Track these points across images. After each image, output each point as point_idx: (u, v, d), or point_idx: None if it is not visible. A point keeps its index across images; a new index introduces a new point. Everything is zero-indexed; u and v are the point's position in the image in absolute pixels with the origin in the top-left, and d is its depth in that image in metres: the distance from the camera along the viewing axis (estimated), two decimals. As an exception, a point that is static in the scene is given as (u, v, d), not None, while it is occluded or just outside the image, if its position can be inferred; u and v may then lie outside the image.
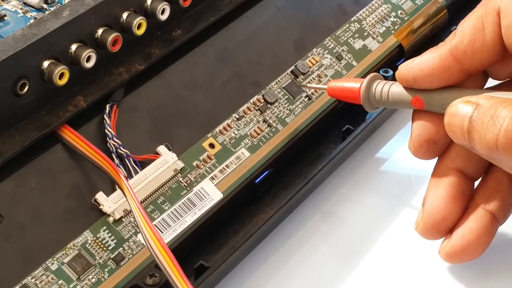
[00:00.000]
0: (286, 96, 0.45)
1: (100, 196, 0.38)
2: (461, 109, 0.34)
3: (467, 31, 0.36)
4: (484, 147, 0.33)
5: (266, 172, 0.42)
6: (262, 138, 0.43)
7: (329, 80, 0.46)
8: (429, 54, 0.37)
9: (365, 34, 0.49)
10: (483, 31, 0.36)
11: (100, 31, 0.39)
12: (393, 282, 0.40)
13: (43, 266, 0.36)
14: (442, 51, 0.36)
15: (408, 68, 0.37)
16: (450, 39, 0.36)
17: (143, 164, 0.39)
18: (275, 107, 0.44)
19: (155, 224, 0.38)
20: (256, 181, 0.42)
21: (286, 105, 0.44)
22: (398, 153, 0.47)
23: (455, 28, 0.37)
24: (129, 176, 0.39)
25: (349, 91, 0.40)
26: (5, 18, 0.42)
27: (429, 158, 0.39)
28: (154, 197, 0.39)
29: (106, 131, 0.39)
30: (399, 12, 0.50)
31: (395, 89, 0.38)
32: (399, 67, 0.38)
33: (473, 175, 0.38)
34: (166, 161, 0.40)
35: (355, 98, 0.39)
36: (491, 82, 0.39)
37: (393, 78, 0.46)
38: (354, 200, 0.44)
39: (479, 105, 0.34)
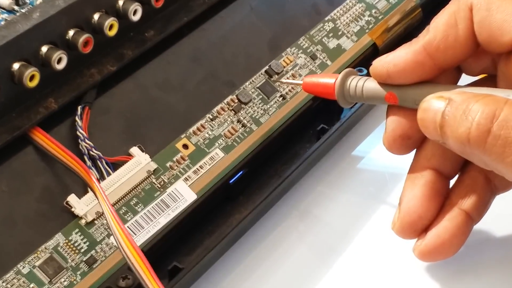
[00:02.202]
0: (260, 96, 0.44)
1: (72, 199, 0.37)
2: (434, 104, 0.34)
3: (440, 26, 0.36)
4: (457, 141, 0.33)
5: (241, 172, 0.42)
6: (236, 138, 0.43)
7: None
8: (403, 50, 0.37)
9: (340, 33, 0.49)
10: (456, 26, 0.36)
11: (71, 32, 0.39)
12: (369, 280, 0.40)
13: (14, 269, 0.35)
14: (415, 46, 0.37)
15: (382, 63, 0.37)
16: (423, 35, 0.37)
17: (116, 166, 0.39)
18: (249, 107, 0.44)
19: (128, 226, 0.38)
20: (231, 181, 0.42)
21: (260, 105, 0.44)
22: (373, 152, 0.47)
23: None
24: (102, 178, 0.38)
25: (323, 87, 0.40)
26: (-24, 20, 0.41)
27: (403, 153, 0.39)
28: (127, 198, 0.39)
29: (78, 133, 0.39)
30: (373, 11, 0.50)
31: (369, 85, 0.39)
32: (373, 62, 0.38)
33: (449, 174, 0.39)
34: (139, 162, 0.39)
35: (330, 94, 0.39)
36: (465, 80, 0.39)
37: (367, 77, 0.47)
38: (330, 199, 0.44)
39: (452, 100, 0.34)
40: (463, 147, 0.33)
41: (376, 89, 0.38)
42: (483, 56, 0.37)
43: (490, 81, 0.38)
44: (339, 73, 0.39)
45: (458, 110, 0.33)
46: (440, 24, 0.36)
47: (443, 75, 0.37)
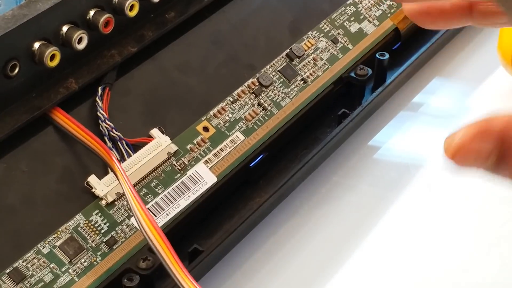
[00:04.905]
0: (281, 80, 0.44)
1: (92, 179, 0.37)
2: None
3: None
4: None
5: (261, 156, 0.42)
6: (257, 121, 0.42)
7: None
8: None
9: (361, 17, 0.48)
10: None
11: (92, 12, 0.38)
12: (386, 268, 0.40)
13: (35, 249, 0.35)
14: None
15: None
16: None
17: (136, 147, 0.39)
18: (270, 90, 0.43)
19: (148, 208, 0.38)
20: (251, 165, 0.41)
21: (281, 89, 0.44)
22: (393, 140, 0.46)
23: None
24: (122, 159, 0.38)
25: None
26: (-4, 0, 0.41)
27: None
28: (147, 180, 0.38)
29: (98, 113, 0.38)
30: (395, -5, 0.50)
31: None
32: None
33: None
34: (159, 144, 0.39)
35: None
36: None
37: (389, 62, 0.46)
38: (348, 187, 0.44)
39: None
40: None
41: None
42: None
43: None
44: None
45: None
46: None
47: None
